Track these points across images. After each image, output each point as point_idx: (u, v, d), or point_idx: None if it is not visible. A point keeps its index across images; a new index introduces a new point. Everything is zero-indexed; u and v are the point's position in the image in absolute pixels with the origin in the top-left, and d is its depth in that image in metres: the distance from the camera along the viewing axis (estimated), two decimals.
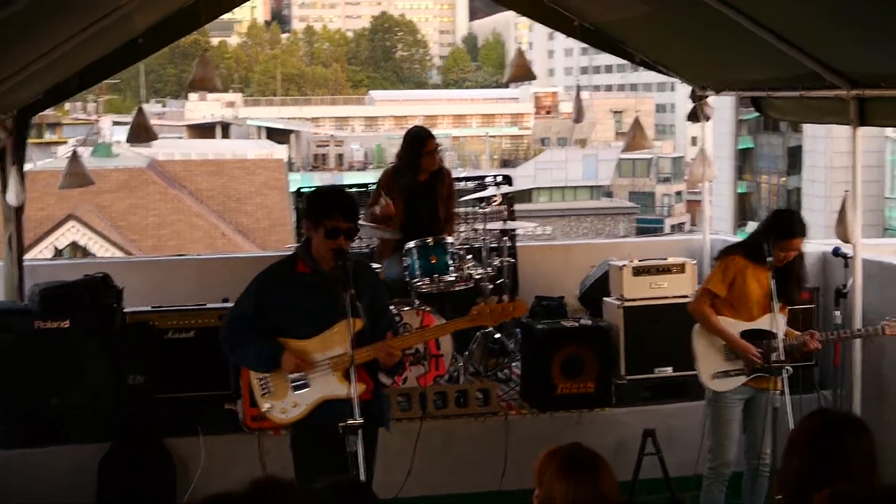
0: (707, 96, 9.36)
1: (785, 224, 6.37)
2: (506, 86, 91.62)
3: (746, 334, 6.44)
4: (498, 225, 8.67)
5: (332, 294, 5.36)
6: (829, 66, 7.19)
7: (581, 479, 3.53)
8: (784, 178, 44.75)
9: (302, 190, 9.45)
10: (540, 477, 3.62)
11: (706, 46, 8.41)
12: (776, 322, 6.18)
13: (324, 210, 5.51)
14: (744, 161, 46.49)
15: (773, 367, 6.22)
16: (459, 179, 9.59)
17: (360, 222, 8.17)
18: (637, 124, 9.48)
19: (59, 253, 25.13)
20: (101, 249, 25.95)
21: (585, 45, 9.35)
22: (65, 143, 46.12)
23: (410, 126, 8.82)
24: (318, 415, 5.56)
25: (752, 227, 10.11)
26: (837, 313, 7.77)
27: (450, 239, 8.13)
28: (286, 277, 5.59)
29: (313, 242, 5.55)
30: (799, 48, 7.08)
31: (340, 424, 5.23)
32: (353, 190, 9.64)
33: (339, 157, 65.77)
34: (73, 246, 26.22)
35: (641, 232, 48.10)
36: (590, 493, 3.51)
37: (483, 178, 9.71)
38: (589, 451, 3.66)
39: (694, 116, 9.53)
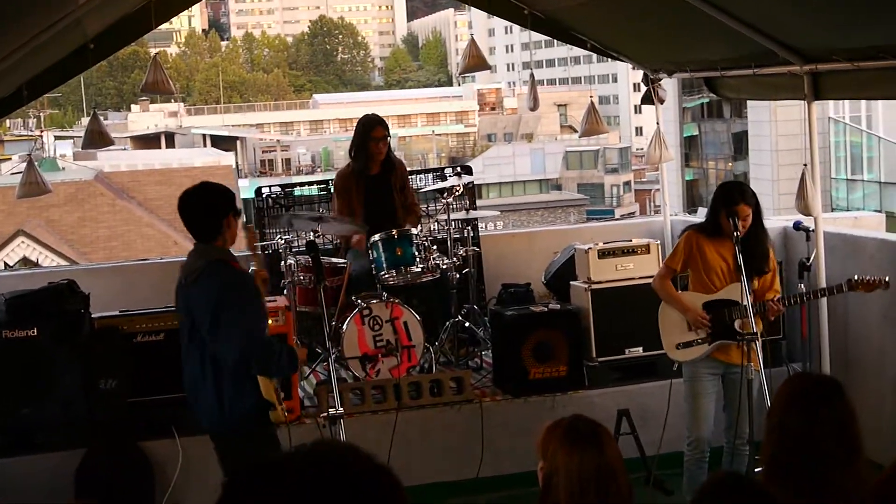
0: (660, 79, 9.42)
1: (727, 192, 6.47)
2: (449, 82, 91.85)
3: (710, 305, 6.52)
4: (461, 215, 8.69)
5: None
6: (782, 43, 7.27)
7: (585, 449, 3.54)
8: (731, 164, 45.11)
9: (262, 190, 9.44)
10: (543, 450, 3.62)
11: (657, 29, 8.47)
12: (745, 290, 6.23)
13: (233, 200, 5.58)
14: (689, 148, 46.80)
15: (733, 333, 6.35)
16: (417, 172, 9.61)
17: (325, 216, 8.22)
18: (592, 109, 9.51)
19: (9, 268, 24.83)
20: (53, 264, 25.66)
21: (526, 41, 9.40)
22: (8, 159, 45.59)
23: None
24: None
25: (702, 212, 10.21)
26: (801, 286, 7.85)
27: (414, 231, 8.14)
28: (249, 279, 5.61)
29: (231, 235, 5.49)
30: (751, 26, 7.16)
31: (322, 415, 5.31)
32: (314, 188, 9.68)
33: (287, 161, 65.59)
34: (24, 261, 25.92)
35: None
36: (595, 463, 3.52)
37: (442, 169, 9.74)
38: (591, 422, 3.67)
39: (648, 99, 9.58)
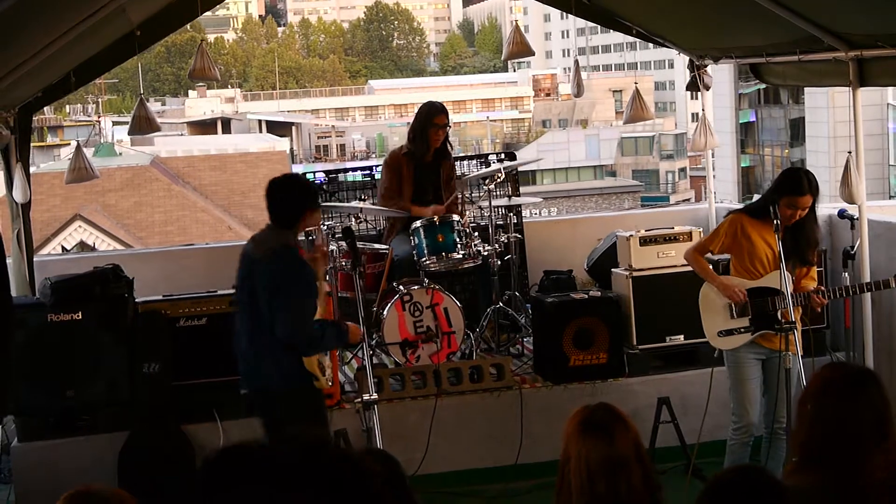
0: (706, 65, 9.36)
1: (791, 181, 6.32)
2: (504, 68, 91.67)
3: (752, 292, 6.46)
4: (503, 201, 8.69)
5: None
6: (827, 29, 7.20)
7: (595, 439, 3.54)
8: (787, 150, 44.69)
9: (306, 175, 9.48)
10: (564, 435, 3.65)
11: (703, 15, 8.43)
12: (784, 280, 6.17)
13: (315, 196, 6.09)
14: (746, 135, 46.40)
15: (776, 323, 6.29)
16: (461, 159, 9.61)
17: (367, 205, 8.28)
18: (637, 96, 9.47)
19: (66, 252, 25.18)
20: (109, 248, 25.99)
21: (582, 27, 9.40)
22: (67, 144, 46.14)
23: (412, 112, 8.93)
24: None
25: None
26: (846, 274, 7.79)
27: (456, 217, 8.15)
28: (309, 267, 5.92)
29: (308, 224, 6.07)
30: (796, 12, 7.10)
31: (357, 401, 5.40)
32: (359, 174, 9.71)
33: (341, 147, 65.81)
34: (81, 245, 26.28)
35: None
36: (604, 453, 3.52)
37: (486, 156, 9.74)
38: (609, 413, 3.66)
39: (693, 86, 9.52)
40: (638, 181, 56.81)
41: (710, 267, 6.65)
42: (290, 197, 5.91)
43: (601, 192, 52.99)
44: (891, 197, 34.26)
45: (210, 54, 8.92)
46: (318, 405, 6.01)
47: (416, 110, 8.89)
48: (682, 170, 61.81)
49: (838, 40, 7.24)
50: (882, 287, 6.62)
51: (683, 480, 7.23)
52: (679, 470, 7.46)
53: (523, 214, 9.81)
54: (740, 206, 7.98)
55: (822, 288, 6.57)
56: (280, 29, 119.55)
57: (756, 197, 10.98)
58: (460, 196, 8.78)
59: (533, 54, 9.73)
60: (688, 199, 54.27)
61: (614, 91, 72.97)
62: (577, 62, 9.71)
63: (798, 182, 6.28)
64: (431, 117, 8.53)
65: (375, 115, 78.81)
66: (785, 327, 6.12)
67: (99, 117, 51.22)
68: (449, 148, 8.74)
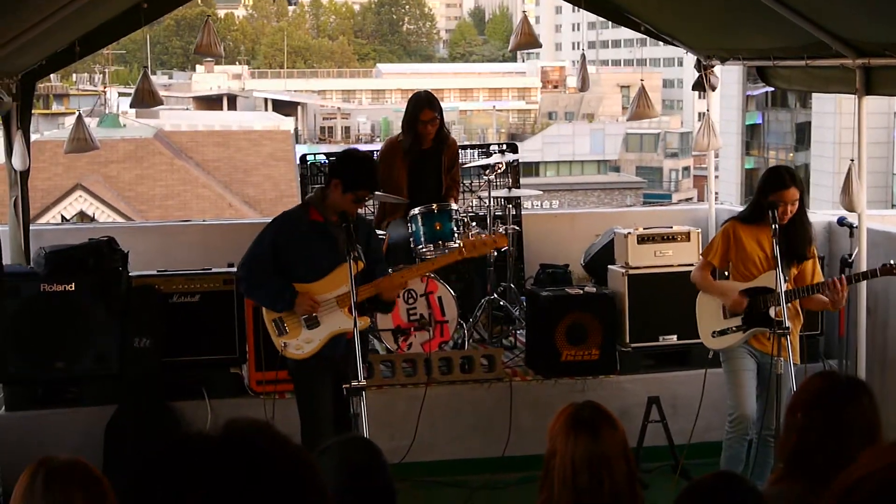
0: (712, 66, 9.33)
1: (774, 177, 6.38)
2: (513, 58, 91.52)
3: (746, 293, 6.45)
4: (503, 192, 8.66)
5: (337, 241, 5.89)
6: (835, 35, 7.18)
7: (580, 435, 3.56)
8: (792, 154, 44.59)
9: (307, 157, 9.45)
10: (550, 431, 3.66)
11: (712, 15, 8.40)
12: (777, 280, 6.15)
13: (364, 182, 5.99)
14: (751, 137, 46.31)
15: (768, 321, 6.29)
16: (464, 147, 9.57)
17: None
18: (642, 93, 9.43)
19: (66, 221, 25.13)
20: (109, 219, 25.92)
21: (593, 20, 9.36)
22: (72, 113, 46.04)
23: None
24: (327, 348, 6.04)
25: None
26: None
27: (454, 206, 8.11)
28: (301, 223, 6.03)
29: (332, 198, 5.98)
30: (805, 17, 7.07)
31: (345, 386, 5.43)
32: None
33: (346, 129, 65.71)
34: (81, 215, 26.22)
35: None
36: (588, 450, 3.53)
37: (488, 146, 9.70)
38: (596, 411, 3.67)
39: (699, 86, 9.49)
40: (641, 178, 56.75)
41: (710, 277, 6.63)
42: (333, 164, 6.35)
43: (604, 186, 52.93)
44: (893, 206, 34.21)
45: (219, 30, 8.92)
46: (288, 366, 6.18)
47: None
48: (686, 168, 61.73)
49: (846, 47, 7.22)
50: (869, 276, 6.61)
51: (670, 480, 7.24)
52: (666, 470, 7.48)
53: (525, 206, 9.79)
54: (739, 207, 7.98)
55: (834, 278, 6.48)
56: (291, 8, 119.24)
57: None
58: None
59: (540, 46, 9.70)
60: (690, 199, 54.23)
61: (622, 86, 72.80)
62: (583, 56, 9.67)
63: (780, 177, 6.37)
64: (417, 113, 8.37)
65: (382, 99, 78.57)
66: (779, 332, 6.10)
67: (105, 88, 51.10)
68: (447, 133, 8.64)
